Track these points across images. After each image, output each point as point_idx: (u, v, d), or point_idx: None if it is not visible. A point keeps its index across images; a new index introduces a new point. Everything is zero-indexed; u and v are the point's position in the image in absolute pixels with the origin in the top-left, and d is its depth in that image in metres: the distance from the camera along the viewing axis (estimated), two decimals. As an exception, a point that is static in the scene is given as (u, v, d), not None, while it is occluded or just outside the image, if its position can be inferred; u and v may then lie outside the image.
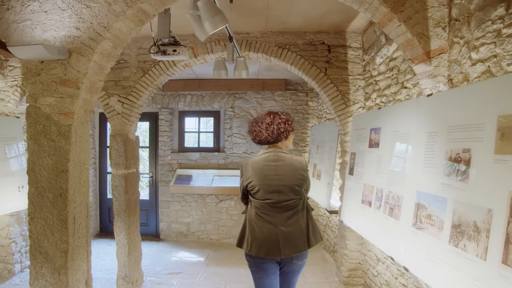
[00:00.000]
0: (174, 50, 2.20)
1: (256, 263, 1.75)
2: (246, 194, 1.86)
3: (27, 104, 3.38)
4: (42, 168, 1.86)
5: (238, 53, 2.54)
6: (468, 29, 1.51)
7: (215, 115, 4.52)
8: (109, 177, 4.64)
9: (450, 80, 1.66)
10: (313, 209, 1.92)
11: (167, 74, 2.99)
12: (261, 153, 1.83)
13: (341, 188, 2.90)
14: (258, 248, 1.69)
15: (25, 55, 1.81)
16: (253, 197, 1.78)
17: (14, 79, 3.17)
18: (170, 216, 4.44)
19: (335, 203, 3.20)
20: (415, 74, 2.05)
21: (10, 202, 2.98)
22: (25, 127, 3.31)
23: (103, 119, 4.57)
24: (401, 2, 1.69)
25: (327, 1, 2.36)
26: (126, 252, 2.94)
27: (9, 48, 1.79)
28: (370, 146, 2.34)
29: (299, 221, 1.74)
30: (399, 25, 1.73)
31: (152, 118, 4.50)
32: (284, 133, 1.79)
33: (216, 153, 4.41)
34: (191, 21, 1.53)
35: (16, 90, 3.17)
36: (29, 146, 1.90)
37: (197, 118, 4.60)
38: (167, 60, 2.90)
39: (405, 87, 2.15)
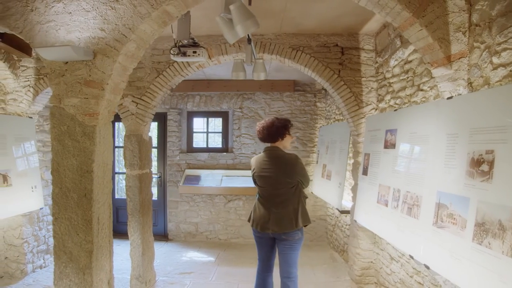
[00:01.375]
0: (194, 52, 2.23)
1: (256, 236, 2.28)
2: (255, 182, 2.32)
3: (40, 104, 3.37)
4: (66, 169, 1.87)
5: (254, 55, 2.57)
6: (490, 34, 1.56)
7: (224, 115, 4.54)
8: (116, 177, 4.64)
9: (470, 83, 1.71)
10: (307, 197, 2.32)
11: (181, 75, 3.01)
12: (263, 151, 2.30)
13: (353, 189, 2.95)
14: (256, 224, 2.21)
15: (52, 56, 1.82)
16: (256, 185, 2.30)
17: (27, 79, 3.16)
18: (179, 216, 4.45)
19: (346, 203, 3.24)
20: (432, 77, 2.10)
21: (24, 202, 2.98)
22: (38, 127, 3.32)
23: (110, 119, 4.56)
24: (423, 8, 1.74)
25: (343, 4, 2.41)
26: (140, 252, 2.95)
27: (36, 50, 1.79)
28: (386, 147, 2.39)
29: (288, 206, 2.15)
30: (421, 29, 1.78)
31: (160, 118, 4.51)
32: (281, 134, 2.23)
33: (225, 153, 4.44)
34: (220, 24, 1.56)
35: (29, 91, 3.16)
36: (53, 147, 1.91)
37: (205, 119, 4.62)
38: (182, 61, 2.92)
39: (422, 90, 2.20)
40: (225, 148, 4.51)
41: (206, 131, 4.64)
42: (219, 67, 3.58)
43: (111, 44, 1.85)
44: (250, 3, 2.34)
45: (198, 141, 4.70)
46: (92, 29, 1.87)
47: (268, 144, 2.27)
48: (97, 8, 1.87)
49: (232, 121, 4.47)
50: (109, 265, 2.01)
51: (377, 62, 2.85)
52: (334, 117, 3.99)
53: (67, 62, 1.90)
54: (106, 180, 1.99)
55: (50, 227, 3.56)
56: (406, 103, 2.39)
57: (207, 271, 3.43)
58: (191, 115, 4.54)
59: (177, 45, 2.18)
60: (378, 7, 1.88)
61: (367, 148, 2.69)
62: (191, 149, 4.51)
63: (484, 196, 1.41)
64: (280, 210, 2.14)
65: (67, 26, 1.90)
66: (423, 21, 1.75)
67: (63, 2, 1.91)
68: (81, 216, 1.86)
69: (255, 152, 4.41)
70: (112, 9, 1.85)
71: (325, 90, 4.40)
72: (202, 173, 4.38)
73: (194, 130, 4.58)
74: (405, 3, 1.75)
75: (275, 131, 2.20)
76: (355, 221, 2.74)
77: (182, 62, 2.94)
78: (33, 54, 3.21)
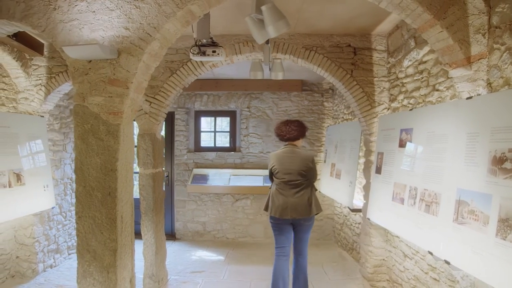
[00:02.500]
0: (214, 51, 2.25)
1: (275, 223, 2.59)
2: (271, 175, 2.68)
3: (51, 103, 3.35)
4: (90, 167, 1.87)
5: (268, 55, 2.60)
6: (510, 36, 1.60)
7: (231, 115, 4.56)
8: (123, 176, 4.62)
9: (489, 84, 1.76)
10: (316, 190, 2.71)
11: (194, 74, 3.02)
12: (282, 148, 2.68)
13: (365, 187, 2.99)
14: (275, 212, 2.53)
15: (77, 55, 1.82)
16: (275, 177, 2.62)
17: (39, 78, 3.14)
18: (186, 216, 4.46)
19: (356, 202, 3.29)
20: (448, 78, 2.15)
21: (36, 201, 2.96)
22: (48, 126, 3.29)
23: (117, 118, 4.54)
24: (443, 10, 1.78)
25: (359, 5, 2.44)
26: (154, 251, 2.95)
27: (63, 48, 1.79)
28: (401, 146, 2.43)
29: (304, 196, 2.54)
30: (441, 31, 1.82)
31: (168, 117, 4.48)
32: (302, 135, 2.68)
33: (232, 152, 4.45)
34: (249, 24, 1.58)
35: (41, 89, 3.14)
36: (76, 145, 1.90)
37: (213, 118, 4.63)
38: (198, 61, 2.94)
39: (437, 90, 2.24)
40: (232, 148, 4.53)
41: (213, 131, 4.66)
42: (228, 67, 3.59)
43: (135, 43, 1.85)
44: (268, 4, 2.37)
45: (206, 140, 4.71)
46: (116, 27, 1.87)
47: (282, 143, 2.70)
48: (121, 7, 1.87)
49: (239, 121, 4.49)
50: (131, 264, 2.01)
51: (389, 63, 2.89)
52: (342, 117, 4.03)
53: (90, 61, 1.91)
54: (128, 178, 2.00)
55: (60, 226, 3.54)
56: (421, 103, 2.44)
57: (218, 270, 3.45)
58: (198, 114, 4.54)
59: (197, 44, 2.20)
60: (399, 9, 1.92)
61: (380, 147, 2.73)
62: (198, 149, 4.52)
63: (508, 192, 1.45)
64: (297, 199, 2.52)
65: (90, 24, 1.90)
66: (444, 23, 1.79)
67: (86, 1, 1.91)
68: (105, 214, 1.86)
69: (262, 152, 4.44)
70: (137, 8, 1.86)
71: (332, 90, 4.45)
72: (210, 172, 4.39)
73: (202, 130, 4.58)
74: (426, 5, 1.79)
75: (297, 132, 2.62)
76: (368, 219, 2.78)
77: (196, 61, 2.95)
78: (45, 53, 3.19)
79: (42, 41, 3.15)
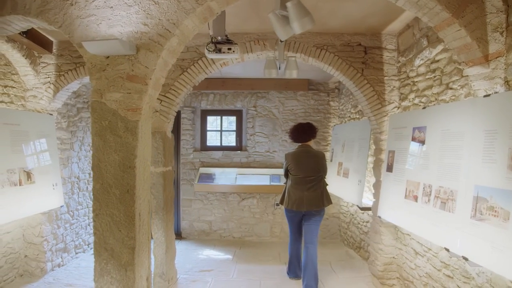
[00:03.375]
0: (229, 48, 2.25)
1: (289, 215, 3.01)
2: (286, 173, 3.04)
3: (59, 102, 3.32)
4: (108, 164, 1.86)
5: (279, 53, 2.60)
6: (529, 34, 1.62)
7: (238, 114, 4.55)
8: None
9: (507, 82, 1.78)
10: (327, 185, 3.04)
11: (205, 73, 3.02)
12: (297, 148, 3.02)
13: (375, 185, 3.00)
14: (292, 205, 2.89)
15: (97, 50, 1.81)
16: (291, 174, 2.96)
17: (47, 76, 3.12)
18: (192, 215, 4.44)
19: (364, 200, 3.30)
20: (462, 76, 2.17)
21: (46, 200, 2.93)
22: (55, 124, 3.26)
23: (123, 117, 4.52)
24: (462, 8, 1.80)
25: (372, 4, 2.46)
26: (164, 249, 2.94)
27: (83, 43, 1.78)
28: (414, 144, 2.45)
29: (316, 190, 2.89)
30: (459, 29, 1.83)
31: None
32: (313, 136, 3.03)
33: (239, 151, 4.45)
34: (272, 20, 1.58)
35: (49, 87, 3.11)
36: (93, 142, 1.89)
37: (219, 117, 4.63)
38: (209, 59, 2.93)
39: (451, 88, 2.26)
40: (239, 147, 4.52)
41: (220, 130, 4.65)
42: (235, 66, 3.58)
43: (154, 39, 1.85)
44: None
45: (212, 139, 4.70)
46: (135, 23, 1.87)
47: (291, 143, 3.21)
48: (140, 2, 1.86)
49: (246, 120, 4.49)
50: (147, 262, 2.00)
51: (399, 62, 2.91)
52: (349, 116, 4.05)
53: (108, 57, 1.89)
54: (146, 176, 1.99)
55: (68, 225, 3.51)
56: (433, 101, 2.45)
57: (226, 269, 3.44)
58: (205, 113, 4.53)
59: (213, 41, 2.19)
60: (416, 7, 1.93)
61: (391, 145, 2.74)
62: (205, 148, 4.51)
63: (529, 188, 1.46)
64: (311, 193, 2.87)
65: (108, 20, 1.89)
66: (462, 22, 1.81)
67: (104, -3, 1.89)
68: (124, 212, 1.84)
69: (268, 151, 4.44)
70: (155, 3, 1.85)
71: (338, 89, 4.46)
72: (216, 171, 4.38)
73: (208, 129, 4.57)
74: (445, 3, 1.80)
75: (309, 134, 2.98)
76: (379, 217, 2.79)
77: (207, 59, 2.95)
78: (54, 50, 3.17)
79: (51, 38, 3.13)
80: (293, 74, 2.36)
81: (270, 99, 4.43)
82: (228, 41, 2.29)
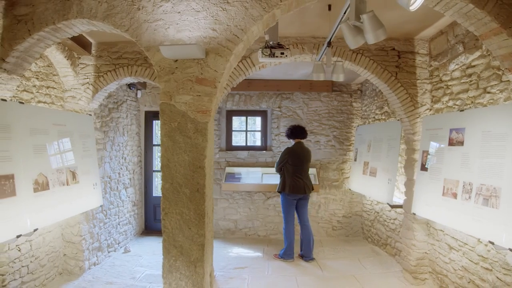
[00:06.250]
0: (282, 53, 2.34)
1: (293, 199, 3.62)
2: (281, 165, 3.63)
3: (96, 102, 3.37)
4: (177, 164, 1.94)
5: (320, 56, 2.71)
6: None
7: (263, 114, 4.65)
8: (154, 175, 4.64)
9: (550, 87, 1.92)
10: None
11: (244, 74, 3.11)
12: (294, 144, 3.69)
13: (407, 184, 3.14)
14: (297, 190, 3.55)
15: (172, 54, 1.88)
16: (291, 165, 3.58)
17: (86, 77, 3.16)
18: (218, 214, 4.52)
19: (394, 199, 3.43)
20: (501, 81, 2.32)
21: (87, 200, 2.98)
22: (96, 123, 3.31)
23: (148, 117, 4.57)
24: (510, 19, 1.93)
25: (412, 11, 2.58)
26: (205, 247, 3.01)
27: (160, 47, 1.85)
28: (451, 144, 2.59)
29: (309, 177, 3.70)
30: (506, 39, 1.97)
31: (199, 117, 4.55)
32: (305, 135, 3.74)
33: (264, 151, 4.55)
34: (344, 29, 1.69)
35: (88, 88, 3.16)
36: (163, 143, 1.96)
37: (244, 117, 4.71)
38: (247, 61, 3.02)
39: (489, 92, 2.41)
40: (264, 147, 4.62)
41: (245, 130, 4.73)
42: (266, 67, 3.68)
43: (223, 44, 1.93)
44: (329, 9, 2.49)
45: (237, 139, 4.79)
46: (203, 28, 1.95)
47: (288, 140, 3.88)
48: (208, 8, 1.95)
49: (270, 120, 4.58)
50: (211, 258, 2.08)
51: (431, 66, 3.06)
52: (374, 117, 4.18)
53: (176, 60, 1.97)
54: (211, 175, 2.07)
55: (102, 224, 3.55)
56: (469, 104, 2.60)
57: (259, 266, 3.53)
58: (230, 113, 4.61)
59: (268, 46, 2.29)
60: (465, 17, 2.06)
61: (425, 145, 2.88)
62: (230, 147, 4.59)
63: None
64: (306, 180, 3.63)
65: (176, 25, 1.97)
66: (510, 32, 1.94)
67: (171, 2, 1.98)
68: (194, 210, 1.92)
69: (293, 150, 4.56)
70: (223, 10, 1.94)
71: (361, 91, 4.60)
72: (242, 171, 4.47)
73: (234, 129, 4.66)
74: (494, 15, 1.93)
75: (304, 133, 3.72)
76: (414, 214, 2.93)
77: (247, 62, 3.04)
78: (92, 51, 3.21)
79: (90, 40, 3.17)
80: (340, 78, 2.47)
81: (294, 100, 4.54)
82: (279, 46, 2.39)
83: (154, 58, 1.98)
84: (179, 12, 1.97)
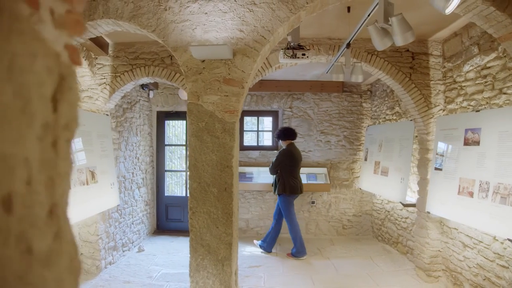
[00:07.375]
0: (303, 54, 2.38)
1: (290, 200, 3.73)
2: (277, 167, 3.73)
3: (113, 102, 3.40)
4: (205, 164, 1.97)
5: (337, 57, 2.75)
6: None
7: (274, 114, 4.69)
8: (166, 174, 4.67)
9: None
10: None
11: (261, 75, 3.14)
12: (288, 145, 3.78)
13: (420, 183, 3.19)
14: (293, 191, 3.68)
15: (202, 54, 1.92)
16: (289, 167, 3.70)
17: (103, 77, 3.19)
18: (229, 213, 4.55)
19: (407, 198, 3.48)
20: (518, 82, 2.37)
21: (105, 199, 3.01)
22: (113, 123, 3.33)
23: (160, 117, 4.60)
24: (530, 21, 1.98)
25: (428, 14, 2.63)
26: (222, 245, 3.05)
27: (190, 48, 1.88)
28: (466, 144, 2.64)
29: (300, 178, 3.85)
30: (526, 40, 2.02)
31: (210, 117, 4.58)
32: (296, 136, 3.88)
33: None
34: (371, 31, 1.73)
35: (105, 88, 3.18)
36: (190, 143, 2.00)
37: (256, 118, 4.75)
38: (264, 63, 3.06)
39: (505, 93, 2.46)
40: (275, 146, 4.66)
41: (256, 130, 4.77)
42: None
43: (250, 44, 1.97)
44: (348, 11, 2.53)
45: (248, 139, 4.82)
46: (230, 29, 1.99)
47: (279, 141, 4.05)
48: (235, 9, 1.98)
49: (282, 120, 4.62)
50: (236, 256, 2.11)
51: (444, 67, 3.11)
52: (384, 117, 4.23)
53: (203, 61, 2.01)
54: (238, 174, 2.10)
55: (117, 224, 3.57)
56: (484, 104, 2.65)
57: (273, 264, 3.57)
58: (242, 114, 4.62)
59: (290, 47, 2.33)
60: (484, 20, 2.11)
61: (439, 145, 2.93)
62: (242, 147, 4.62)
63: None
64: (300, 180, 3.79)
65: (203, 26, 2.01)
66: (530, 33, 1.99)
67: (198, 3, 2.01)
68: (221, 209, 1.96)
69: (304, 150, 4.60)
70: (250, 11, 1.98)
71: (370, 91, 4.65)
72: (253, 170, 4.50)
73: (245, 129, 4.69)
74: (514, 17, 1.98)
75: (295, 134, 3.85)
76: (428, 212, 2.98)
77: (264, 63, 3.07)
78: (109, 52, 3.23)
79: (107, 40, 3.20)
80: (359, 79, 2.52)
81: (305, 100, 4.58)
82: (300, 47, 2.43)
83: (181, 58, 2.02)
84: (206, 13, 2.00)
